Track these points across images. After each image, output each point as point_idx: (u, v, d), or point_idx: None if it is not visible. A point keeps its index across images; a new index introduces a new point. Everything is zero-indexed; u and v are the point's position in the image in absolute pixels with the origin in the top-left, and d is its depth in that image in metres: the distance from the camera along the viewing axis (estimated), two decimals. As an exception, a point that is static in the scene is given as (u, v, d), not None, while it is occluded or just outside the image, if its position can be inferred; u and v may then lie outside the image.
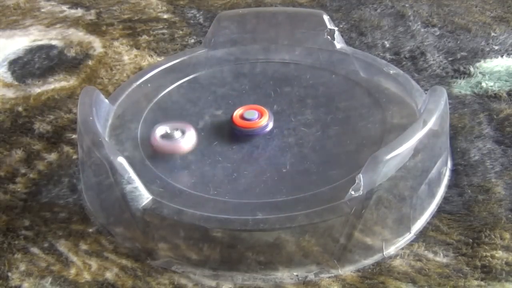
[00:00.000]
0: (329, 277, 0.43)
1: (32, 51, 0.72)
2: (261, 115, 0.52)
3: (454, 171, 0.51)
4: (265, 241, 0.43)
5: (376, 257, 0.44)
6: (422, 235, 0.45)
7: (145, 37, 0.73)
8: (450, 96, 0.58)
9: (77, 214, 0.49)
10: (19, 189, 0.52)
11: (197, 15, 0.78)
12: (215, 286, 0.43)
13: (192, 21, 0.77)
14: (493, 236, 0.45)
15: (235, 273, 0.43)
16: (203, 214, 0.43)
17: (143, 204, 0.43)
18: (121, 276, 0.44)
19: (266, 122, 0.51)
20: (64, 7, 0.82)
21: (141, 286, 0.43)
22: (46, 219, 0.49)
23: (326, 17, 0.60)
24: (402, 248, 0.44)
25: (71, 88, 0.65)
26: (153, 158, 0.50)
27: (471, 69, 0.63)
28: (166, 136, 0.50)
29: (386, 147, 0.43)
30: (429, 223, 0.46)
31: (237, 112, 0.52)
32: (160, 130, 0.50)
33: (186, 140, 0.50)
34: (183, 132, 0.50)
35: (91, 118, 0.48)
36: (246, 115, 0.52)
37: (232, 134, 0.52)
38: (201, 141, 0.51)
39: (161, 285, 0.43)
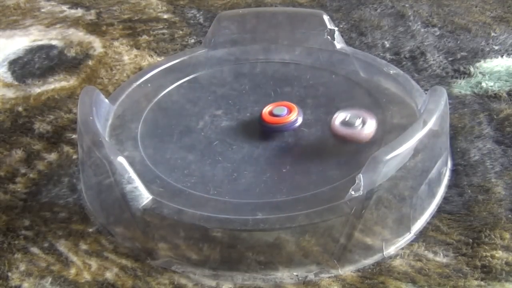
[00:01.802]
0: (329, 277, 0.43)
1: (32, 51, 0.72)
2: (290, 110, 0.52)
3: (454, 171, 0.51)
4: (265, 241, 0.43)
5: (376, 257, 0.44)
6: (422, 235, 0.45)
7: (145, 37, 0.73)
8: (450, 96, 0.58)
9: (77, 214, 0.49)
10: (19, 189, 0.52)
11: (197, 15, 0.78)
12: (215, 286, 0.43)
13: (192, 21, 0.77)
14: (493, 236, 0.45)
15: (235, 273, 0.43)
16: (203, 214, 0.43)
17: (143, 204, 0.43)
18: (121, 276, 0.44)
19: (295, 117, 0.51)
20: (64, 7, 0.82)
21: (141, 286, 0.43)
22: (46, 219, 0.49)
23: (326, 17, 0.60)
24: (402, 248, 0.44)
25: (71, 88, 0.65)
26: (153, 158, 0.50)
27: (471, 69, 0.63)
28: (346, 123, 0.50)
29: (386, 147, 0.43)
30: (429, 223, 0.46)
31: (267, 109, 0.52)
32: (341, 116, 0.51)
33: (366, 129, 0.49)
34: (364, 121, 0.50)
35: (91, 118, 0.48)
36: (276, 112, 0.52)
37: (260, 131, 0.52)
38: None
39: (161, 285, 0.43)
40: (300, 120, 0.51)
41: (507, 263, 0.43)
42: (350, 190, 0.42)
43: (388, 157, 0.42)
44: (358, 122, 0.50)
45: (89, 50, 0.71)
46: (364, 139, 0.49)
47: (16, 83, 0.67)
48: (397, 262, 0.43)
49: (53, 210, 0.50)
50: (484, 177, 0.50)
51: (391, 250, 0.44)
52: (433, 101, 0.47)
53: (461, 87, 0.61)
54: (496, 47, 0.66)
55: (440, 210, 0.47)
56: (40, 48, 0.73)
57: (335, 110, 0.54)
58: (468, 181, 0.50)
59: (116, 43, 0.72)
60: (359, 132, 0.49)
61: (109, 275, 0.44)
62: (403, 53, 0.67)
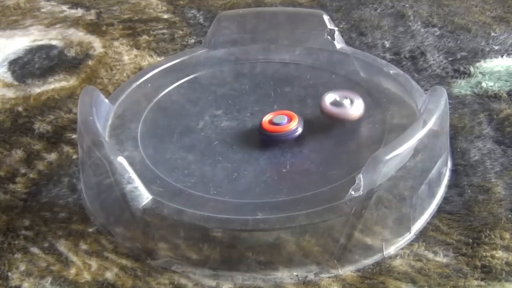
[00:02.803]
0: (329, 277, 0.43)
1: (32, 51, 0.72)
2: (290, 119, 0.51)
3: (454, 171, 0.51)
4: (265, 241, 0.43)
5: (376, 257, 0.44)
6: (422, 235, 0.45)
7: (145, 37, 0.73)
8: (450, 96, 0.58)
9: (77, 214, 0.49)
10: (19, 189, 0.52)
11: (197, 15, 0.78)
12: (215, 286, 0.43)
13: (192, 21, 0.77)
14: (493, 236, 0.45)
15: (235, 273, 0.43)
16: (203, 214, 0.43)
17: (143, 204, 0.43)
18: (121, 276, 0.44)
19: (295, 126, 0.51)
20: (64, 7, 0.82)
21: (141, 286, 0.43)
22: (46, 219, 0.49)
23: (326, 17, 0.60)
24: (402, 248, 0.44)
25: (71, 88, 0.65)
26: (153, 158, 0.50)
27: (471, 69, 0.63)
28: (336, 103, 0.51)
29: (386, 147, 0.43)
30: (429, 223, 0.46)
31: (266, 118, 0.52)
32: (330, 97, 0.52)
33: (355, 107, 0.51)
34: (352, 101, 0.51)
35: (91, 118, 0.48)
36: (275, 120, 0.51)
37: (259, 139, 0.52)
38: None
39: (161, 285, 0.43)
40: (300, 130, 0.50)
41: (507, 263, 0.43)
42: (350, 190, 0.42)
43: (388, 157, 0.42)
44: (347, 102, 0.51)
45: (89, 50, 0.71)
46: (355, 117, 0.51)
47: (16, 83, 0.67)
48: (397, 262, 0.43)
49: (53, 210, 0.50)
50: (484, 177, 0.50)
51: (391, 250, 0.44)
52: (433, 101, 0.47)
53: (461, 87, 0.61)
54: (496, 47, 0.66)
55: (440, 210, 0.47)
56: (40, 48, 0.73)
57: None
58: (468, 181, 0.50)
59: (116, 43, 0.72)
60: (349, 111, 0.51)
61: (109, 275, 0.44)
62: (403, 53, 0.67)
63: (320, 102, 0.52)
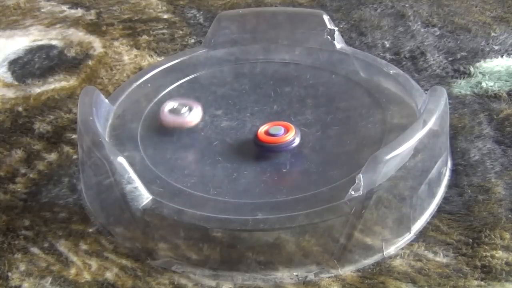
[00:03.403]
0: (329, 277, 0.43)
1: (32, 51, 0.72)
2: (287, 130, 0.50)
3: (454, 171, 0.51)
4: (265, 241, 0.43)
5: (376, 257, 0.44)
6: (422, 235, 0.45)
7: (145, 37, 0.73)
8: (450, 96, 0.58)
9: (77, 214, 0.49)
10: (19, 189, 0.52)
11: (197, 15, 0.78)
12: (215, 286, 0.43)
13: (192, 21, 0.77)
14: (493, 236, 0.45)
15: (235, 273, 0.43)
16: (203, 214, 0.43)
17: (143, 204, 0.43)
18: (121, 276, 0.44)
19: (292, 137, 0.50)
20: (64, 7, 0.82)
21: (141, 286, 0.43)
22: (46, 219, 0.49)
23: (326, 17, 0.60)
24: (402, 248, 0.44)
25: (71, 88, 0.65)
26: (153, 158, 0.50)
27: (471, 69, 0.63)
28: (173, 111, 0.52)
29: (386, 147, 0.43)
30: (429, 223, 0.46)
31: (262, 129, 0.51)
32: (169, 105, 0.52)
33: (192, 115, 0.52)
34: (190, 109, 0.52)
35: (91, 118, 0.48)
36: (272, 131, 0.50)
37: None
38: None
39: (161, 285, 0.43)
40: (297, 141, 0.49)
41: (507, 263, 0.43)
42: (350, 190, 0.42)
43: (388, 157, 0.42)
44: (184, 109, 0.52)
45: (89, 50, 0.71)
46: (192, 125, 0.52)
47: (16, 83, 0.67)
48: (397, 262, 0.43)
49: (53, 210, 0.50)
50: (484, 177, 0.50)
51: (391, 250, 0.44)
52: (433, 101, 0.47)
53: (461, 87, 0.61)
54: (496, 47, 0.66)
55: (440, 210, 0.47)
56: (40, 48, 0.73)
57: (335, 110, 0.54)
58: (468, 181, 0.50)
59: (116, 43, 0.72)
60: (186, 119, 0.52)
61: (109, 275, 0.44)
62: (403, 53, 0.67)
63: (159, 112, 0.53)
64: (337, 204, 0.42)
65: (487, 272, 0.42)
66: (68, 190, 0.51)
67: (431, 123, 0.44)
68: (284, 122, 0.51)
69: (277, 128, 0.50)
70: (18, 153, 0.56)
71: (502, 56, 0.65)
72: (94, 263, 0.45)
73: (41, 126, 0.59)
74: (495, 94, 0.59)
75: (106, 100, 0.55)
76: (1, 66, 0.70)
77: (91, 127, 0.47)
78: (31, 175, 0.53)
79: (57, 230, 0.48)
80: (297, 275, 0.43)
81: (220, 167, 0.49)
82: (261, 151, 0.50)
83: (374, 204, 0.42)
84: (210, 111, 0.55)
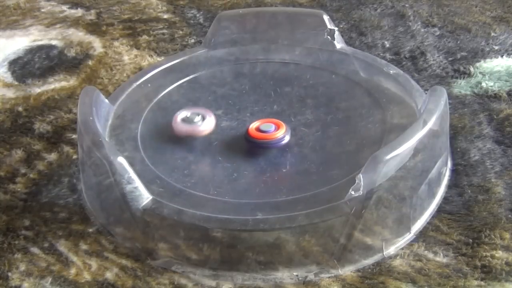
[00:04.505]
0: (329, 277, 0.43)
1: (32, 51, 0.72)
2: (277, 127, 0.50)
3: (454, 171, 0.51)
4: (265, 241, 0.43)
5: (376, 257, 0.44)
6: (422, 235, 0.45)
7: (145, 37, 0.73)
8: (450, 96, 0.58)
9: (77, 214, 0.49)
10: (19, 189, 0.52)
11: (197, 15, 0.78)
12: (215, 286, 0.43)
13: (192, 21, 0.77)
14: (493, 236, 0.45)
15: (235, 273, 0.43)
16: (203, 214, 0.43)
17: (143, 204, 0.43)
18: (121, 276, 0.44)
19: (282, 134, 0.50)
20: (64, 7, 0.82)
21: (141, 286, 0.43)
22: (46, 219, 0.49)
23: (326, 17, 0.60)
24: (402, 248, 0.44)
25: (71, 88, 0.65)
26: (153, 158, 0.50)
27: (471, 69, 0.63)
28: (186, 120, 0.52)
29: (386, 147, 0.43)
30: (429, 223, 0.46)
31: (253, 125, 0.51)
32: (182, 114, 0.52)
33: (206, 124, 0.52)
34: (203, 117, 0.52)
35: (91, 118, 0.48)
36: (263, 128, 0.50)
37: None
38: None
39: (161, 285, 0.43)
40: (287, 138, 0.50)
41: (507, 263, 0.43)
42: (350, 190, 0.42)
43: (388, 157, 0.42)
44: (197, 118, 0.52)
45: (89, 50, 0.71)
46: (205, 133, 0.52)
47: (16, 83, 0.67)
48: (397, 262, 0.43)
49: (53, 210, 0.50)
50: (484, 177, 0.50)
51: (391, 250, 0.44)
52: (433, 101, 0.47)
53: (461, 87, 0.61)
54: (496, 47, 0.66)
55: (440, 210, 0.47)
56: (40, 48, 0.73)
57: (335, 110, 0.54)
58: (468, 181, 0.50)
59: (116, 43, 0.72)
60: (199, 128, 0.52)
61: (109, 275, 0.44)
62: (403, 53, 0.67)
63: (172, 122, 0.52)
64: (337, 204, 0.42)
65: (487, 272, 0.42)
66: (68, 190, 0.51)
67: (431, 123, 0.44)
68: (276, 119, 0.51)
69: (268, 125, 0.50)
70: (18, 153, 0.56)
71: (502, 56, 0.65)
72: (94, 263, 0.45)
73: (41, 126, 0.59)
74: (495, 94, 0.59)
75: (106, 100, 0.55)
76: (1, 66, 0.70)
77: (91, 127, 0.47)
78: (31, 175, 0.53)
79: (57, 230, 0.48)
80: (297, 275, 0.43)
81: (220, 167, 0.49)
82: (251, 146, 0.50)
83: (374, 204, 0.42)
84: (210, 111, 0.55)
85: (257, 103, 0.56)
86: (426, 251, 0.44)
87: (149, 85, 0.59)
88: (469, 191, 0.49)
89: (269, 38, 0.62)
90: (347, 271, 0.43)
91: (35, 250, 0.46)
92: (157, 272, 0.44)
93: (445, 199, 0.48)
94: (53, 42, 0.74)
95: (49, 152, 0.56)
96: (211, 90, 0.58)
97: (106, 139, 0.49)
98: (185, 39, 0.72)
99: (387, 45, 0.68)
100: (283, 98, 0.56)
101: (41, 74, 0.68)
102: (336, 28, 0.60)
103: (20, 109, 0.62)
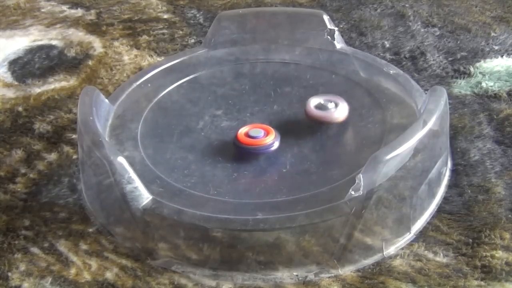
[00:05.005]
0: (329, 277, 0.43)
1: (32, 51, 0.72)
2: (267, 133, 0.50)
3: (454, 171, 0.51)
4: (265, 241, 0.43)
5: (376, 257, 0.44)
6: (422, 235, 0.45)
7: (145, 37, 0.73)
8: (450, 96, 0.58)
9: (77, 214, 0.49)
10: (19, 189, 0.52)
11: (197, 15, 0.78)
12: (215, 286, 0.43)
13: (192, 21, 0.77)
14: (493, 236, 0.45)
15: (235, 273, 0.43)
16: (203, 214, 0.43)
17: (143, 204, 0.43)
18: (121, 276, 0.44)
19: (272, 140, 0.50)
20: (64, 7, 0.82)
21: (141, 286, 0.43)
22: (46, 219, 0.49)
23: (326, 17, 0.60)
24: (402, 248, 0.44)
25: (71, 88, 0.65)
26: (153, 158, 0.50)
27: (471, 69, 0.63)
28: (320, 107, 0.52)
29: (386, 147, 0.43)
30: (429, 223, 0.46)
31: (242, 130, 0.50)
32: (314, 101, 0.52)
33: (339, 111, 0.51)
34: (336, 104, 0.52)
35: (91, 118, 0.48)
36: (252, 133, 0.50)
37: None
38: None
39: (161, 285, 0.43)
40: (276, 145, 0.49)
41: (507, 263, 0.43)
42: (350, 190, 0.42)
43: (388, 157, 0.42)
44: (331, 105, 0.52)
45: (89, 50, 0.71)
46: (338, 120, 0.51)
47: (16, 83, 0.67)
48: (397, 262, 0.43)
49: (53, 210, 0.50)
50: (484, 177, 0.50)
51: (391, 250, 0.44)
52: (433, 101, 0.47)
53: (461, 87, 0.61)
54: (496, 47, 0.66)
55: (440, 210, 0.47)
56: (40, 48, 0.73)
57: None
58: (468, 181, 0.50)
59: (116, 43, 0.72)
60: (333, 114, 0.51)
61: (109, 275, 0.44)
62: (403, 53, 0.67)
63: (305, 106, 0.52)
64: (337, 204, 0.42)
65: (487, 272, 0.42)
66: (68, 190, 0.51)
67: (431, 123, 0.44)
68: (265, 125, 0.51)
69: (257, 131, 0.50)
70: (18, 153, 0.56)
71: (502, 56, 0.65)
72: (94, 263, 0.45)
73: (41, 126, 0.59)
74: (495, 94, 0.59)
75: (106, 100, 0.55)
76: (1, 66, 0.70)
77: (91, 127, 0.47)
78: (31, 175, 0.53)
79: (57, 230, 0.48)
80: (297, 275, 0.43)
81: (220, 167, 0.49)
82: (239, 152, 0.50)
83: (374, 204, 0.42)
84: (210, 111, 0.55)
85: (257, 103, 0.56)
86: (426, 251, 0.44)
87: (149, 85, 0.59)
88: (469, 191, 0.49)
89: (269, 38, 0.62)
90: (347, 271, 0.43)
91: (35, 250, 0.46)
92: (157, 272, 0.44)
93: (445, 199, 0.48)
94: (53, 42, 0.74)
95: (49, 152, 0.56)
96: (211, 90, 0.58)
97: (106, 139, 0.49)
98: (185, 39, 0.72)
99: (387, 45, 0.68)
100: (283, 98, 0.56)
101: (41, 74, 0.68)
102: (336, 28, 0.60)
103: (20, 109, 0.62)
